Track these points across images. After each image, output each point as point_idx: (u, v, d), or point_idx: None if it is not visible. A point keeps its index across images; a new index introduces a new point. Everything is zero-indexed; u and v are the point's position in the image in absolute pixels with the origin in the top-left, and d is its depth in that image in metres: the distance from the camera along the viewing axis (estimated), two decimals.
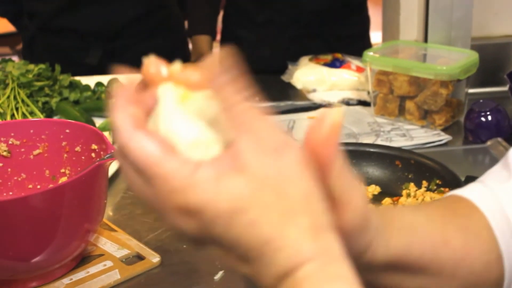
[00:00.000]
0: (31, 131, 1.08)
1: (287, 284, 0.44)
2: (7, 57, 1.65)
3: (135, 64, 1.93)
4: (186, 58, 2.17)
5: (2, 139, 1.06)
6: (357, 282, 0.44)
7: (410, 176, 1.16)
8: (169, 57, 1.85)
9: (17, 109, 1.42)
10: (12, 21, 2.17)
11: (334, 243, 0.45)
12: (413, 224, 0.60)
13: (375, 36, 2.09)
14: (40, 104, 1.47)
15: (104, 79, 1.68)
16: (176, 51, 2.11)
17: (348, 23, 2.03)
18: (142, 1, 1.99)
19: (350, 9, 2.03)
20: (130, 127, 0.46)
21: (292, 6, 1.94)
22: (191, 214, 0.44)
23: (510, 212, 0.64)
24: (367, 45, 2.06)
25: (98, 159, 0.95)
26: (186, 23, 2.23)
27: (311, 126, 0.48)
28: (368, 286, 0.53)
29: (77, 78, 1.65)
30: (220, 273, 0.98)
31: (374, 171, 1.20)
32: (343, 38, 1.99)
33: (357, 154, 1.21)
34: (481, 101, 1.40)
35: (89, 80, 1.69)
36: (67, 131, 1.07)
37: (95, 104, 1.54)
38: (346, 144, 1.25)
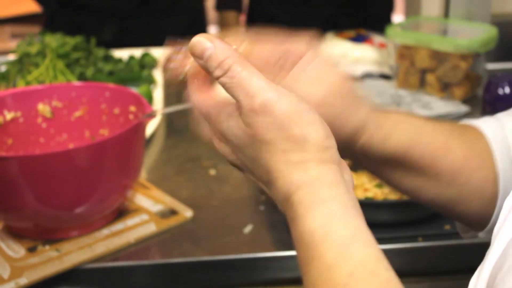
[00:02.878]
0: (73, 94, 1.15)
1: (288, 206, 0.52)
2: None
3: (150, 41, 2.03)
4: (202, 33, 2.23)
5: (46, 101, 1.14)
6: (350, 202, 0.51)
7: None
8: (185, 34, 1.94)
9: (55, 79, 1.49)
10: None
11: (327, 172, 0.52)
12: (419, 129, 0.67)
13: (398, 19, 2.15)
14: (76, 74, 1.54)
15: (130, 52, 1.76)
16: (193, 28, 2.17)
17: (376, 3, 2.10)
18: None
19: None
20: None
21: None
22: (223, 140, 0.57)
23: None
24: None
25: (138, 118, 1.02)
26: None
27: None
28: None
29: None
30: (249, 227, 1.05)
31: None
32: (370, 17, 2.05)
33: None
34: (499, 74, 1.45)
35: (122, 53, 1.77)
36: (107, 94, 1.14)
37: (128, 75, 1.61)
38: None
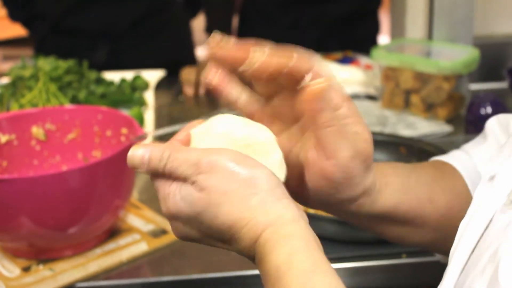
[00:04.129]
0: (66, 117, 1.18)
1: (255, 249, 0.55)
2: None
3: (141, 62, 2.07)
4: (191, 57, 2.28)
5: (39, 124, 1.17)
6: (310, 236, 0.54)
7: (413, 161, 1.25)
8: (174, 56, 2.01)
9: (48, 101, 1.53)
10: (24, 24, 2.24)
11: (286, 210, 0.55)
12: (404, 186, 0.68)
13: (384, 40, 2.20)
14: (69, 97, 1.57)
15: (121, 75, 1.80)
16: (180, 51, 2.22)
17: (363, 26, 2.15)
18: (146, 2, 2.07)
19: (365, 14, 2.15)
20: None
21: (317, 10, 2.06)
22: (173, 218, 0.60)
23: (481, 170, 0.74)
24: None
25: (130, 140, 1.05)
26: (194, 23, 2.34)
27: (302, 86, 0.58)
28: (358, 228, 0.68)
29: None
30: None
31: (380, 157, 1.29)
32: (357, 40, 2.10)
33: None
34: (481, 95, 1.49)
35: (113, 76, 1.81)
36: (99, 117, 1.17)
37: (120, 97, 1.64)
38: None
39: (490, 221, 0.56)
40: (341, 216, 0.69)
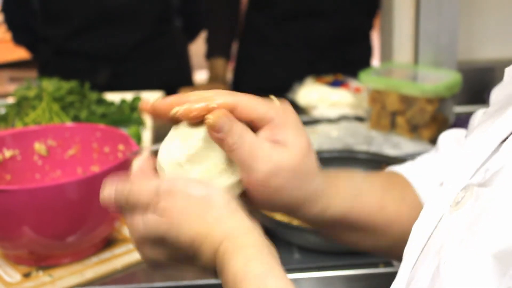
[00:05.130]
0: (67, 134, 1.25)
1: (216, 260, 0.61)
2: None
3: (140, 85, 2.15)
4: (189, 80, 2.36)
5: (42, 140, 1.24)
6: (263, 245, 0.60)
7: None
8: (173, 79, 2.11)
9: (51, 120, 1.60)
10: (28, 48, 2.33)
11: (240, 222, 0.62)
12: (355, 194, 0.74)
13: (377, 63, 2.28)
14: (71, 116, 1.65)
15: (122, 96, 1.88)
16: (179, 74, 2.30)
17: (354, 49, 2.23)
18: (147, 26, 2.15)
19: (357, 37, 2.23)
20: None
21: (308, 31, 2.15)
22: (141, 245, 0.65)
23: (430, 178, 0.80)
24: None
25: (127, 154, 1.12)
26: (190, 47, 2.42)
27: None
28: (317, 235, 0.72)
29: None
30: None
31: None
32: (349, 62, 2.18)
33: (350, 159, 1.38)
34: (463, 117, 1.57)
35: (113, 97, 1.89)
36: (98, 134, 1.24)
37: (120, 117, 1.72)
38: (341, 151, 1.42)
39: (439, 221, 0.61)
40: (304, 221, 0.76)
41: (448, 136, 0.85)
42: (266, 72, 2.26)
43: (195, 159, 0.65)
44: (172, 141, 0.67)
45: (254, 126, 0.66)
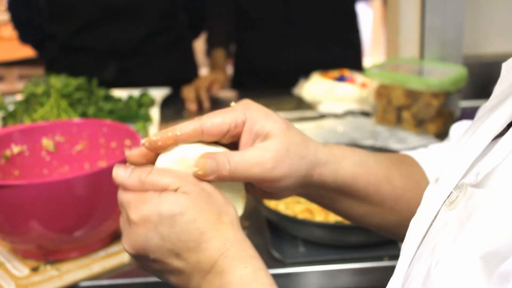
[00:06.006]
0: (74, 130, 1.27)
1: (220, 261, 0.62)
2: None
3: (147, 80, 2.18)
4: (193, 75, 2.37)
5: (49, 136, 1.26)
6: (259, 258, 0.64)
7: None
8: (179, 74, 2.12)
9: (59, 117, 1.62)
10: (34, 46, 2.33)
11: (246, 238, 0.65)
12: (362, 162, 0.76)
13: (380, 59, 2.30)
14: (78, 113, 1.66)
15: (129, 92, 1.89)
16: (184, 69, 2.32)
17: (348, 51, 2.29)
18: (152, 22, 2.16)
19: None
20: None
21: (303, 29, 2.19)
22: (141, 223, 0.64)
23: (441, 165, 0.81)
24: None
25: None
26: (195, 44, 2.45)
27: None
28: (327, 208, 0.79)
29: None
30: None
31: None
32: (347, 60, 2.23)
33: None
34: (468, 111, 1.57)
35: (120, 93, 1.90)
36: (104, 130, 1.26)
37: (126, 113, 1.73)
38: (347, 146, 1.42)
39: (435, 218, 0.62)
40: (311, 194, 0.77)
41: (460, 127, 0.86)
42: (268, 69, 2.31)
43: None
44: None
45: (230, 136, 0.69)
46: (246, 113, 0.69)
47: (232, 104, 0.71)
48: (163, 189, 0.64)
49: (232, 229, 0.64)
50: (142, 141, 0.68)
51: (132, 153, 0.69)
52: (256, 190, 0.74)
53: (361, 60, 2.36)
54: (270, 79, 2.28)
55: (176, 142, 0.67)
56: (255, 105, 0.71)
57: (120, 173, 0.67)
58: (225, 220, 0.64)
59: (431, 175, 0.81)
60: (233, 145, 0.71)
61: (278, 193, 0.74)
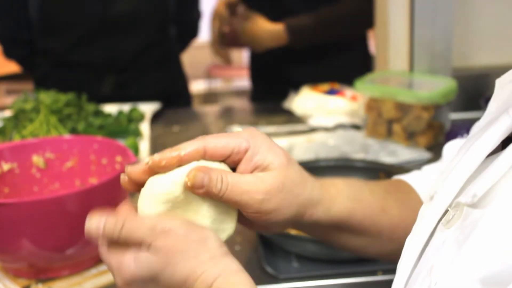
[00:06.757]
0: (64, 146, 1.26)
1: None
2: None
3: (142, 94, 2.18)
4: (184, 88, 2.38)
5: (39, 153, 1.25)
6: (251, 284, 0.64)
7: None
8: (169, 88, 2.12)
9: (49, 133, 1.61)
10: (21, 62, 2.29)
11: (231, 263, 0.65)
12: (356, 196, 0.76)
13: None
14: (68, 128, 1.65)
15: (120, 107, 1.89)
16: (175, 82, 2.32)
17: (346, 60, 2.26)
18: (146, 35, 2.16)
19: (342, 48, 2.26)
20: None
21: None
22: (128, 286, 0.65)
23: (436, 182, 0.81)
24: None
25: (124, 166, 1.13)
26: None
27: None
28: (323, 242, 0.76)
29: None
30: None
31: None
32: (344, 71, 2.21)
33: (347, 168, 1.39)
34: (458, 123, 1.58)
35: (110, 108, 1.90)
36: (95, 146, 1.25)
37: (117, 128, 1.73)
38: (337, 160, 1.42)
39: (430, 237, 0.62)
40: (304, 229, 0.77)
41: (453, 146, 0.86)
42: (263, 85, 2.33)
43: (179, 206, 0.69)
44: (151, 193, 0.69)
45: (231, 161, 0.69)
46: (251, 141, 0.69)
47: (237, 129, 0.72)
48: (136, 244, 0.64)
49: (213, 264, 0.64)
50: (146, 160, 0.68)
51: (134, 170, 0.69)
52: (245, 219, 0.73)
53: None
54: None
55: (180, 162, 0.67)
56: (260, 135, 0.71)
57: (93, 228, 0.67)
58: (203, 259, 0.64)
59: (425, 198, 0.81)
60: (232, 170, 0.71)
61: (266, 226, 0.74)
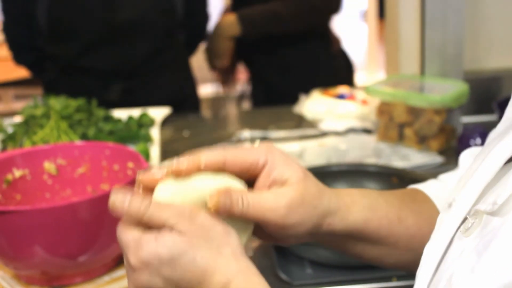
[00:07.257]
0: (76, 152, 1.26)
1: None
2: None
3: (151, 99, 2.20)
4: (193, 92, 2.38)
5: (51, 159, 1.25)
6: (264, 283, 0.64)
7: None
8: (178, 92, 2.13)
9: (59, 138, 1.61)
10: (30, 68, 2.30)
11: (250, 264, 0.65)
12: (372, 205, 0.76)
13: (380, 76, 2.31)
14: (79, 134, 1.65)
15: (129, 113, 1.89)
16: (184, 86, 2.32)
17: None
18: (155, 40, 2.15)
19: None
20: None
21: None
22: (142, 268, 0.64)
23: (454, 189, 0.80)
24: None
25: (136, 172, 1.12)
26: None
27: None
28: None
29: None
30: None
31: (374, 187, 1.36)
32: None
33: (360, 173, 1.38)
34: (471, 127, 1.56)
35: (120, 114, 1.89)
36: (107, 152, 1.25)
37: (127, 133, 1.72)
38: (350, 165, 1.42)
39: (450, 244, 0.61)
40: (320, 239, 0.77)
41: (469, 154, 0.85)
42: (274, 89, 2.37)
43: None
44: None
45: (248, 175, 0.70)
46: (268, 156, 0.70)
47: (256, 143, 0.73)
48: (159, 225, 0.64)
49: (235, 260, 0.64)
50: (166, 167, 0.68)
51: (147, 176, 0.69)
52: (263, 233, 0.73)
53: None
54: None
55: (198, 171, 0.68)
56: (277, 150, 0.72)
57: (117, 202, 0.66)
58: (225, 252, 0.64)
59: (441, 208, 0.80)
60: (248, 184, 0.72)
61: (285, 239, 0.74)
